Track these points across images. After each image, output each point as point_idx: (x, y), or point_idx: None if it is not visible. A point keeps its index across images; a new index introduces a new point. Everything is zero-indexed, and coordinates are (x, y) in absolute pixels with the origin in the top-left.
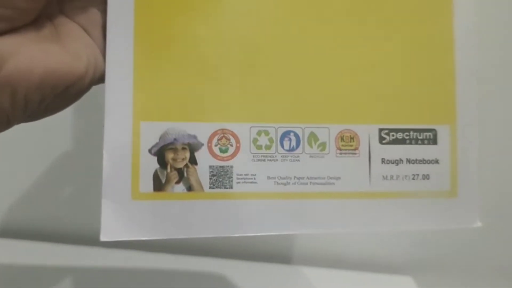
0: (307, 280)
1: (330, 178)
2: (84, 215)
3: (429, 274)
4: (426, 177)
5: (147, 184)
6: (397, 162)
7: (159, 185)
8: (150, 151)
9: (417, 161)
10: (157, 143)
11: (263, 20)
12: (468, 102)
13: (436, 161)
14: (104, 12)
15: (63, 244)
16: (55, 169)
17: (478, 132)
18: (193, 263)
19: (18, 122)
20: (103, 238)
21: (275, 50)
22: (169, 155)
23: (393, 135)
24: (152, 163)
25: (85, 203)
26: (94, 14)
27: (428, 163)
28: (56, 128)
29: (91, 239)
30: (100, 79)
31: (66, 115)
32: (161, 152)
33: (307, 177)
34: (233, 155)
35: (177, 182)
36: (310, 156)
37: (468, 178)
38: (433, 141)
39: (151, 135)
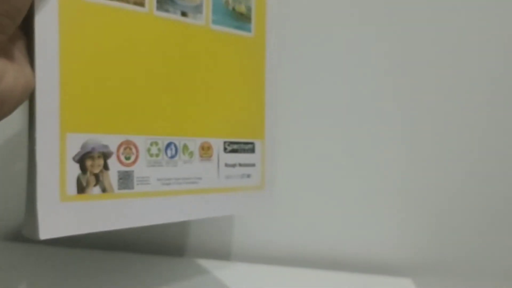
0: (307, 282)
1: (196, 178)
2: None
3: (428, 276)
4: (248, 176)
5: (72, 187)
6: (234, 165)
7: (81, 188)
8: (74, 158)
9: (244, 165)
10: (79, 152)
11: (152, 65)
12: (271, 126)
13: (254, 165)
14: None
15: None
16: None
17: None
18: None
19: None
20: (42, 236)
21: (161, 88)
22: (88, 162)
23: (231, 146)
24: (75, 169)
25: None
26: (23, 38)
27: (250, 166)
28: None
29: None
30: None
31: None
32: (82, 160)
33: (182, 178)
34: (134, 161)
35: (95, 185)
36: (184, 162)
37: (271, 176)
38: (252, 150)
39: (74, 144)
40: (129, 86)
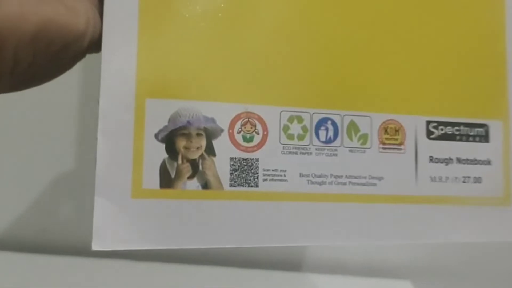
0: (306, 286)
1: (372, 177)
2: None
3: (427, 278)
4: (477, 180)
5: (152, 178)
6: (447, 161)
7: (167, 180)
8: (156, 136)
9: (468, 161)
10: (165, 127)
11: None
12: None
13: (489, 162)
14: None
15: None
16: (46, 176)
17: None
18: (195, 272)
19: (1, 91)
20: (95, 247)
21: (316, 22)
22: (181, 143)
23: (442, 129)
24: (159, 152)
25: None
26: None
27: (480, 164)
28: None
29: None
30: (98, 44)
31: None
32: (170, 138)
33: (346, 176)
34: (260, 145)
35: (190, 177)
36: (350, 151)
37: None
38: (485, 138)
39: (158, 116)
40: (250, 27)
